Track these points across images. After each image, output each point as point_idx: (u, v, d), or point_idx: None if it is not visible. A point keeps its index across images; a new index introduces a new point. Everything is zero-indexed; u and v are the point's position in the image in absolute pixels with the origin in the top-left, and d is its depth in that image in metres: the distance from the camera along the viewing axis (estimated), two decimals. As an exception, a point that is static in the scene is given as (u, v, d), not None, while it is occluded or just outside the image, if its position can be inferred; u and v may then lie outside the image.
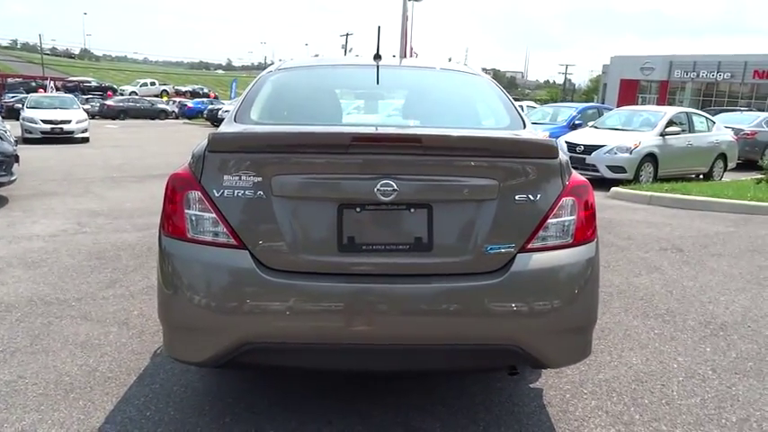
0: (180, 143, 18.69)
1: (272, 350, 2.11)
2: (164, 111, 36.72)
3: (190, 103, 37.60)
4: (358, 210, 2.10)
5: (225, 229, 2.11)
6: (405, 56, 24.52)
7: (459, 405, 2.62)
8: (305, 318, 2.07)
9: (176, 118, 36.62)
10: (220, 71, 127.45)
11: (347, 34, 46.61)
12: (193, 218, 2.15)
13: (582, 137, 11.09)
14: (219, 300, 2.09)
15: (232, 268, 2.09)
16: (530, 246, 2.15)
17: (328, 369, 2.38)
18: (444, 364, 2.23)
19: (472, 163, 2.12)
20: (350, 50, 45.03)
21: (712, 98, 40.79)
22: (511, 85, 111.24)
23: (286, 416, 2.52)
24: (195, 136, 22.54)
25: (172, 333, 2.25)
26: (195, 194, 2.15)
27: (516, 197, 2.14)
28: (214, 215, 2.12)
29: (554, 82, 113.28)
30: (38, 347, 3.19)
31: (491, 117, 2.73)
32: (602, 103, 30.19)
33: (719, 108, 22.92)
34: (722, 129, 12.17)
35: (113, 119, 32.59)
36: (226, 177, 2.11)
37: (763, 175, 9.97)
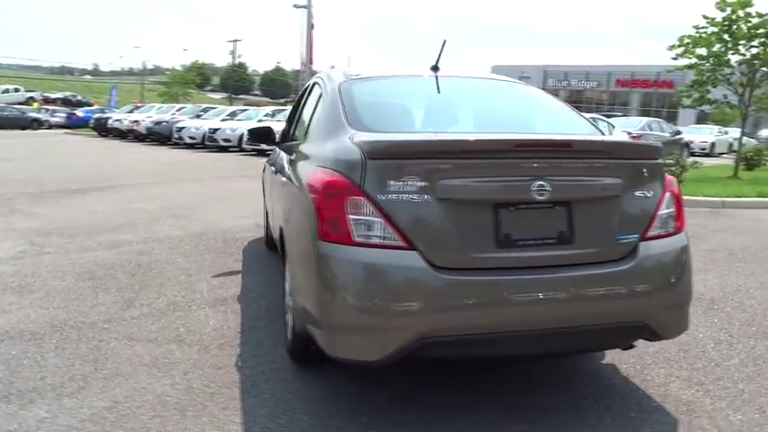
0: (76, 155, 17.39)
1: (444, 343, 2.26)
2: (36, 120, 33.74)
3: (79, 112, 34.89)
4: (511, 209, 2.32)
5: (393, 232, 2.23)
6: (311, 62, 24.71)
7: (562, 385, 2.91)
8: (474, 310, 2.25)
9: (50, 127, 33.74)
10: (88, 77, 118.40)
11: (235, 40, 45.52)
12: (359, 222, 2.24)
13: None
14: (396, 299, 2.21)
15: (406, 268, 2.22)
16: (647, 235, 2.49)
17: (492, 356, 2.56)
18: (587, 344, 2.51)
19: (605, 164, 2.42)
20: (239, 57, 43.99)
21: (582, 104, 44.74)
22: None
23: (417, 408, 2.66)
24: (90, 147, 20.99)
25: (340, 335, 2.32)
26: (359, 200, 2.25)
27: (636, 193, 2.47)
28: (381, 219, 2.23)
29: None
30: (107, 372, 3.03)
31: (574, 124, 3.04)
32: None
33: (601, 113, 25.20)
34: (621, 133, 13.57)
35: (-26, 129, 29.39)
36: (391, 182, 2.24)
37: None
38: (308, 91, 4.10)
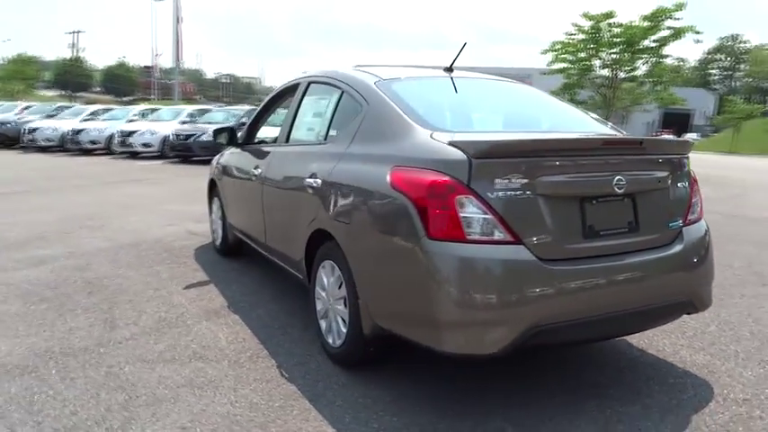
0: None
1: (551, 330, 2.39)
2: None
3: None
4: (594, 202, 2.52)
5: (502, 228, 2.33)
6: (179, 58, 23.34)
7: (598, 364, 3.19)
8: (574, 297, 2.43)
9: None
10: None
11: (77, 32, 41.55)
12: (470, 220, 2.31)
13: None
14: (513, 292, 2.32)
15: (518, 262, 2.33)
16: (687, 221, 2.84)
17: (585, 340, 2.73)
18: (653, 322, 2.80)
19: (659, 159, 2.72)
20: (83, 50, 40.26)
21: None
22: (249, 90, 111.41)
23: (492, 398, 2.77)
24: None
25: (455, 331, 2.36)
26: (468, 198, 2.31)
27: (678, 184, 2.81)
28: (491, 216, 2.32)
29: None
30: (146, 398, 2.77)
31: (593, 123, 3.31)
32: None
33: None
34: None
35: None
36: (497, 181, 2.33)
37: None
38: (301, 91, 3.97)
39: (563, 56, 13.50)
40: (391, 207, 2.53)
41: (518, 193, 2.36)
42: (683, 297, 2.76)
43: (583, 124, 3.31)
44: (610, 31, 12.67)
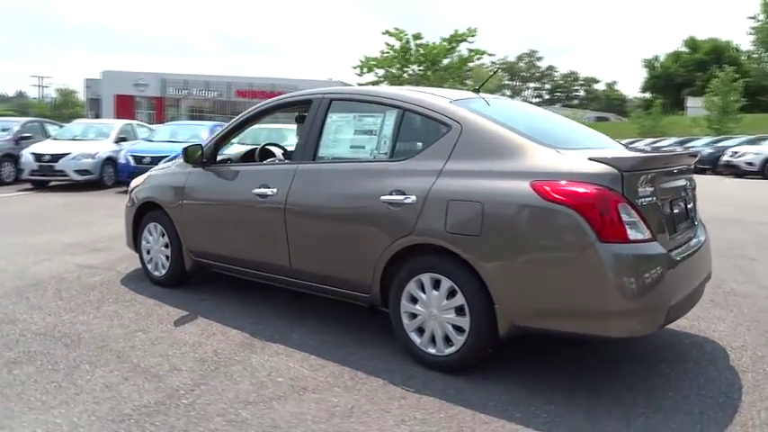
0: None
1: (674, 308, 2.97)
2: None
3: None
4: (674, 202, 3.19)
5: (646, 228, 2.84)
6: None
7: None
8: (684, 279, 3.06)
9: None
10: None
11: None
12: (628, 223, 2.77)
13: (47, 147, 12.51)
14: (662, 279, 2.85)
15: (660, 255, 2.88)
16: (698, 216, 3.70)
17: (681, 315, 3.28)
18: (701, 295, 3.52)
19: (692, 167, 3.51)
20: None
21: (204, 113, 45.53)
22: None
23: (607, 376, 3.24)
24: None
25: (625, 318, 2.81)
26: (625, 205, 2.78)
27: (694, 187, 3.64)
28: (638, 218, 2.82)
29: (6, 94, 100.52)
30: (309, 438, 2.60)
31: (605, 139, 3.97)
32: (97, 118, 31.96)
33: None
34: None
35: None
36: (639, 190, 2.88)
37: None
38: (322, 109, 3.86)
39: (371, 68, 14.59)
40: (549, 216, 2.83)
41: (650, 198, 2.91)
42: (707, 272, 3.60)
43: (606, 138, 3.95)
44: (417, 50, 14.14)
